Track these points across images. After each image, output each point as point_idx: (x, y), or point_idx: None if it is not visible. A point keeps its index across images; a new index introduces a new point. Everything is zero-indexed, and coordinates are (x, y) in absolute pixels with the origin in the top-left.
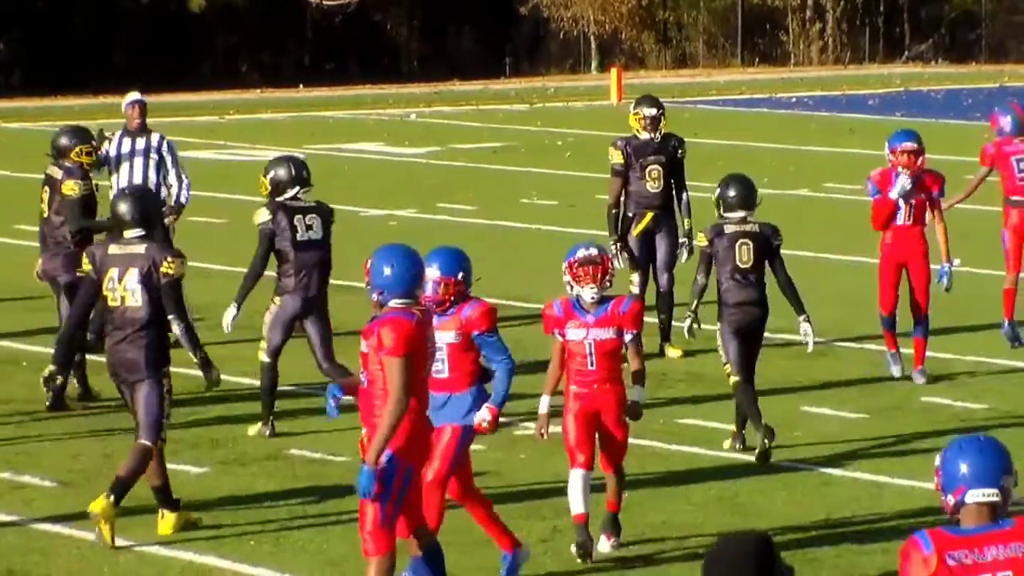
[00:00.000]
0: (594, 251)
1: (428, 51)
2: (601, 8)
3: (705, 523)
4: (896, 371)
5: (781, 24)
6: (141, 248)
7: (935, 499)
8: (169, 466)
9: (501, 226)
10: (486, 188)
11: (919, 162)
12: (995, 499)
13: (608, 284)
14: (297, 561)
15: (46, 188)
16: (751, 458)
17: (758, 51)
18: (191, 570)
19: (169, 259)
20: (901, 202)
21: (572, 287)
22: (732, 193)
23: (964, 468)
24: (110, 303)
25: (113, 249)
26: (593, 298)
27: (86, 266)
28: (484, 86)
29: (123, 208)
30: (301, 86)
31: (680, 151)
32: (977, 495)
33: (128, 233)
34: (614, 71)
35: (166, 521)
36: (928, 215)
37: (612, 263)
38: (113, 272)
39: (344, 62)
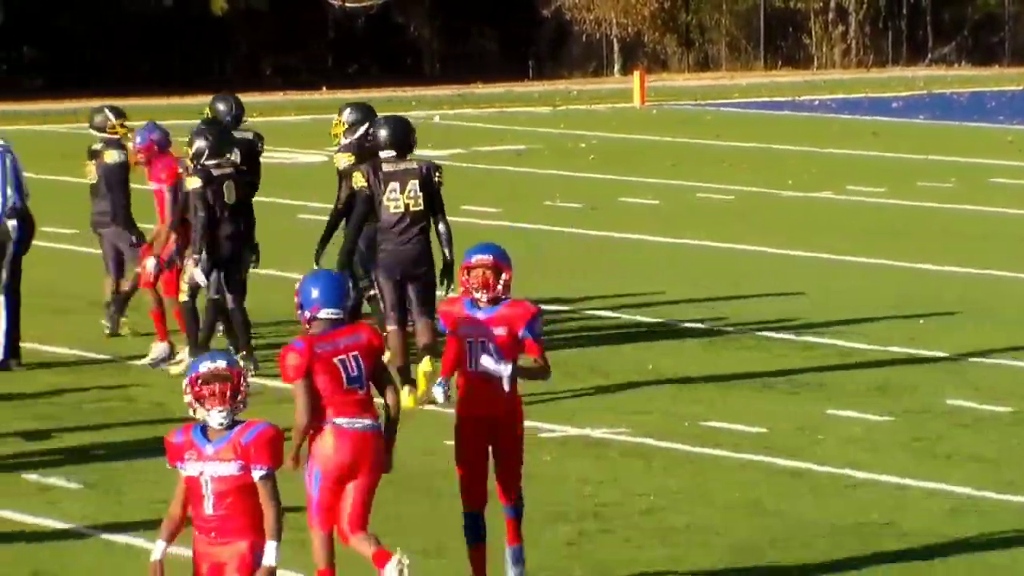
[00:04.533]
0: (222, 363)
1: (451, 53)
2: (624, 10)
3: (729, 526)
4: None
5: (804, 27)
6: (414, 164)
7: (961, 501)
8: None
9: (524, 228)
10: (509, 191)
11: None
12: (339, 316)
13: (241, 406)
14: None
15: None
16: (777, 460)
17: (781, 54)
18: None
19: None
20: None
21: (195, 410)
22: None
23: (315, 292)
24: (392, 210)
25: (387, 167)
26: (221, 424)
27: (361, 182)
28: (507, 88)
29: (383, 133)
30: (324, 88)
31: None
32: (328, 313)
33: (384, 154)
34: (637, 74)
35: (411, 397)
36: None
37: (243, 379)
38: (394, 184)
39: (366, 64)
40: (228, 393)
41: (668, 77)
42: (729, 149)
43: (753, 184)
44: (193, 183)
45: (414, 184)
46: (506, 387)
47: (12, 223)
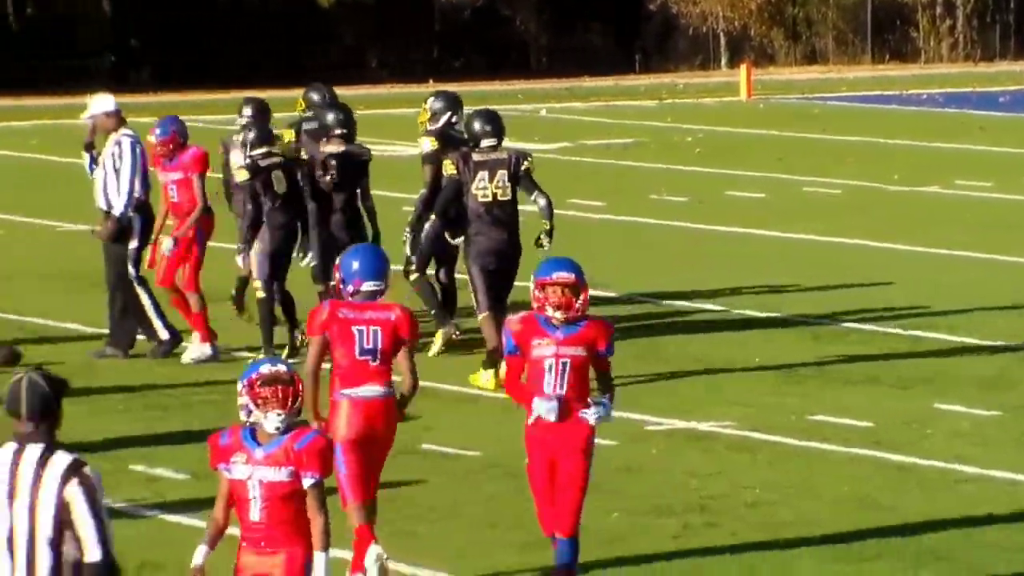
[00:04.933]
0: (282, 368)
1: (557, 47)
2: (730, 4)
3: (836, 520)
4: None
5: (911, 20)
6: (504, 154)
7: None
8: None
9: (630, 221)
10: (615, 184)
11: None
12: (379, 288)
13: (297, 412)
14: (425, 554)
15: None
16: (884, 455)
17: (888, 47)
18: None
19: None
20: None
21: (251, 413)
22: None
23: (356, 264)
24: (480, 199)
25: (477, 156)
26: (277, 428)
27: (451, 169)
28: (614, 82)
29: (476, 125)
30: (431, 81)
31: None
32: (370, 285)
33: (485, 143)
34: (743, 67)
35: (493, 380)
36: None
37: (302, 386)
38: (483, 173)
39: (472, 57)
40: (287, 398)
41: (775, 71)
42: (836, 143)
43: (860, 178)
44: (241, 175)
45: (503, 174)
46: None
47: (135, 215)
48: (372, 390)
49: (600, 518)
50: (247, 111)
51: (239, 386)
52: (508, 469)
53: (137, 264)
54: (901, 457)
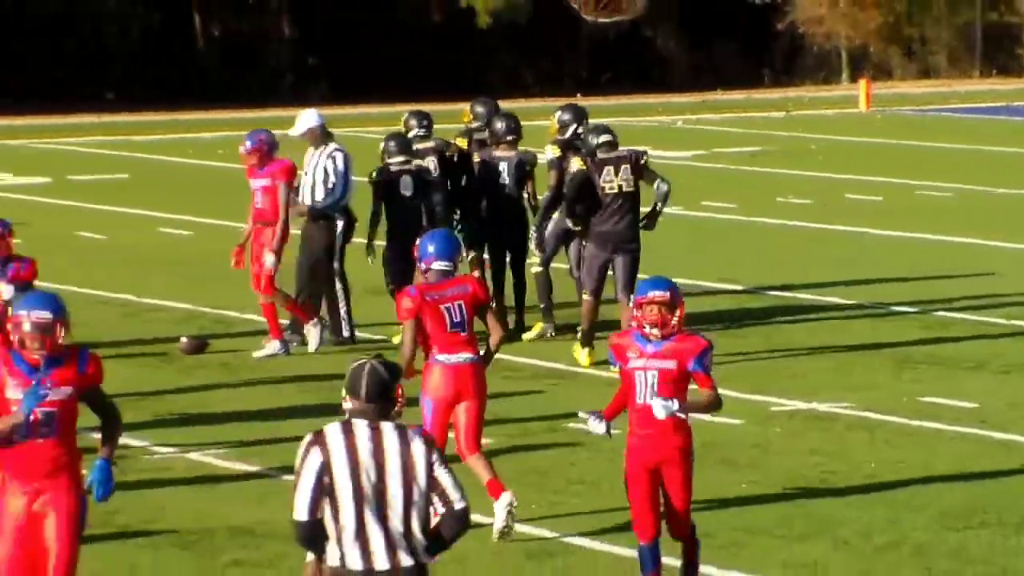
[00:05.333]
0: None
1: (694, 63)
2: (852, 24)
3: (944, 493)
4: None
5: (1018, 39)
6: (624, 151)
7: None
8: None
9: (759, 222)
10: (745, 188)
11: None
12: (448, 268)
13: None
14: (577, 525)
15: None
16: (990, 433)
17: (996, 63)
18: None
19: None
20: None
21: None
22: None
23: (432, 247)
24: (607, 191)
25: (601, 154)
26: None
27: (580, 164)
28: (745, 96)
29: (592, 136)
30: (579, 95)
31: None
32: (440, 265)
33: (602, 140)
34: (863, 82)
35: (589, 358)
36: None
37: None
38: (609, 168)
39: (618, 73)
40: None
41: (892, 85)
42: (947, 151)
43: (969, 182)
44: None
45: (626, 168)
46: (660, 416)
47: (339, 219)
48: (463, 357)
49: (730, 488)
50: (412, 122)
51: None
52: None
53: (340, 259)
54: (1005, 435)
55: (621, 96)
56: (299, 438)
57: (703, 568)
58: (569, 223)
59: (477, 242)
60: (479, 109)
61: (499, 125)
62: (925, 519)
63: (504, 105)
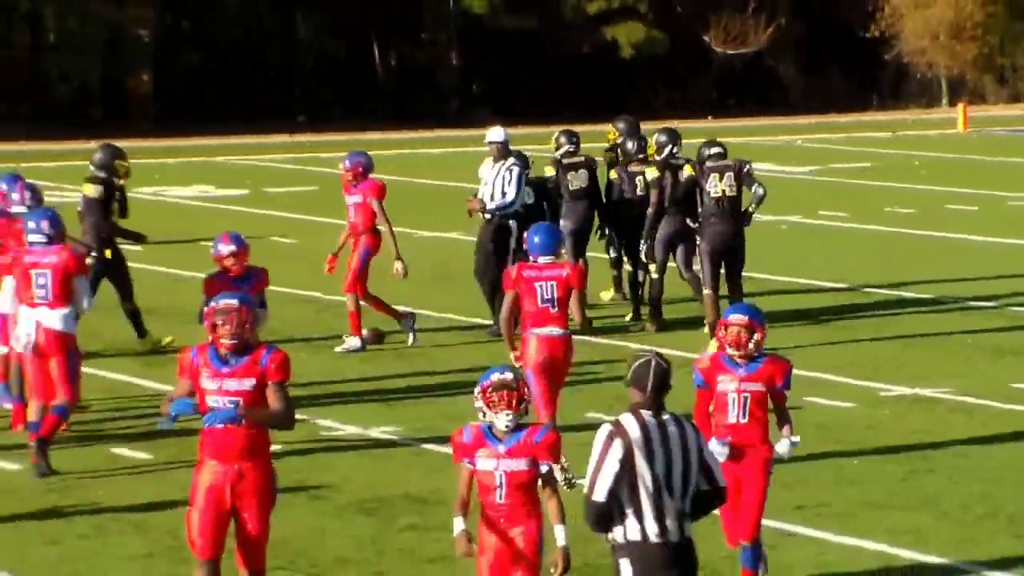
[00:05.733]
0: (509, 375)
1: (811, 89)
2: (951, 55)
3: None
4: None
5: None
6: (731, 161)
7: None
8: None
9: (869, 230)
10: (857, 199)
11: None
12: (549, 260)
13: (523, 411)
14: None
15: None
16: None
17: None
18: None
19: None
20: None
21: (484, 414)
22: None
23: (536, 240)
24: (712, 195)
25: (709, 163)
26: (507, 426)
27: (689, 171)
28: (856, 118)
29: (705, 148)
30: (709, 118)
31: None
32: (544, 260)
33: (712, 151)
34: (961, 106)
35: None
36: None
37: (526, 388)
38: (715, 175)
39: (743, 98)
40: (513, 400)
41: (986, 108)
42: None
43: None
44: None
45: (730, 175)
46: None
47: (512, 223)
48: (553, 330)
49: (844, 464)
50: (562, 139)
51: (475, 391)
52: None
53: (514, 260)
54: None
55: (746, 118)
56: (465, 418)
57: (820, 534)
58: (688, 222)
59: (616, 246)
60: (620, 125)
61: (630, 145)
62: (1018, 492)
63: (642, 126)
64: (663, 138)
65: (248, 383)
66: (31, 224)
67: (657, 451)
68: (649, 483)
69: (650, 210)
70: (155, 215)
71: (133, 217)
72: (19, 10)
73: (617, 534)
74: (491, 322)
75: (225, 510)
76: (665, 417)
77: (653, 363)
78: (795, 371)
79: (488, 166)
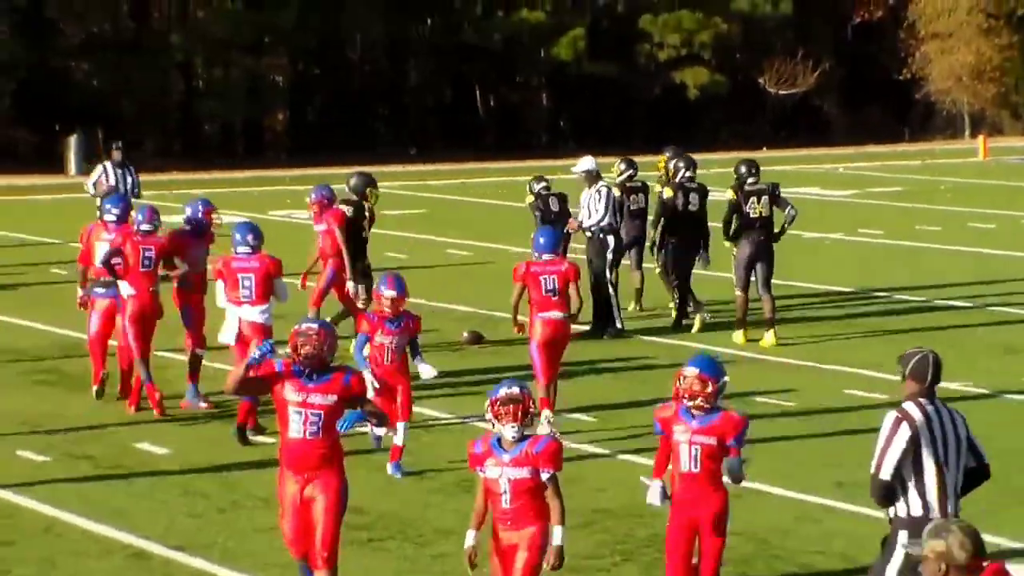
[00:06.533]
0: (516, 390)
1: (851, 123)
2: (973, 94)
3: None
4: None
5: None
6: (764, 184)
7: None
8: None
9: (902, 245)
10: (891, 219)
11: None
12: (552, 257)
13: (529, 422)
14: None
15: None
16: None
17: None
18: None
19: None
20: None
21: (494, 424)
22: None
23: (541, 241)
24: (751, 215)
25: (747, 187)
26: (514, 437)
27: (731, 195)
28: (890, 148)
29: (743, 169)
30: (764, 148)
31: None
32: (546, 256)
33: (750, 180)
34: (981, 137)
35: (743, 337)
36: None
37: (531, 401)
38: (753, 198)
39: (793, 132)
40: (518, 413)
41: (1003, 140)
42: None
43: None
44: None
45: (765, 198)
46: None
47: (609, 238)
48: (555, 314)
49: None
50: (622, 166)
51: (485, 404)
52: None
53: (612, 270)
54: None
55: (796, 149)
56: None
57: (857, 508)
58: (726, 242)
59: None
60: (669, 155)
61: (681, 165)
62: None
63: (703, 157)
64: (680, 163)
65: (330, 399)
66: (238, 237)
67: (937, 434)
68: (932, 463)
69: (660, 225)
70: (287, 235)
71: (269, 238)
72: (174, 61)
73: (900, 509)
74: (587, 326)
75: (306, 515)
76: (937, 404)
77: (931, 357)
78: (837, 367)
79: (585, 190)
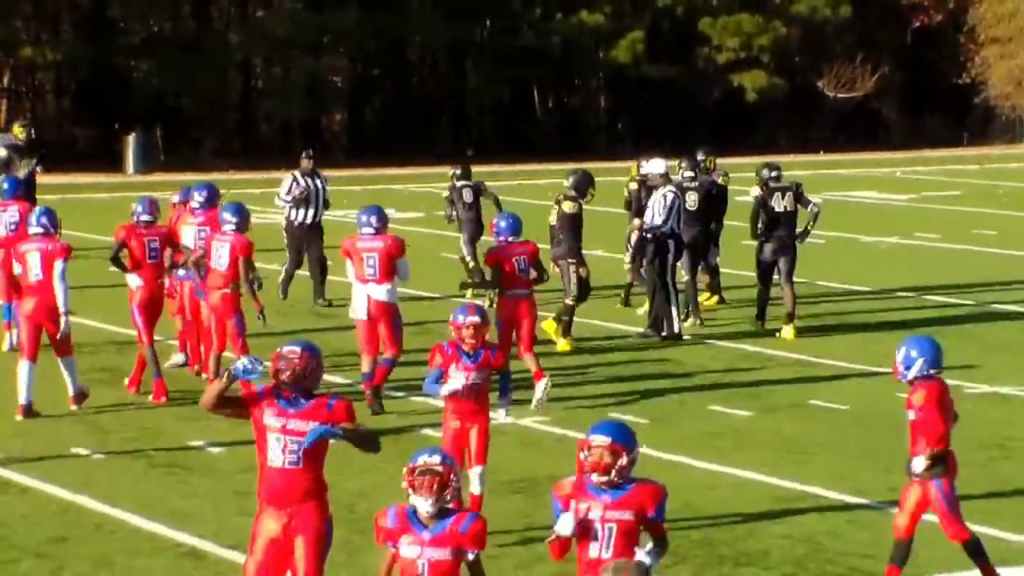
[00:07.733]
0: (436, 458)
1: (910, 128)
2: None
3: None
4: None
5: None
6: (787, 183)
7: None
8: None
9: (958, 249)
10: (948, 222)
11: None
12: (516, 239)
13: (447, 499)
14: (813, 475)
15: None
16: None
17: None
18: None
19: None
20: None
21: (409, 495)
22: None
23: (503, 225)
24: (776, 210)
25: (771, 184)
26: (428, 512)
27: (757, 191)
28: (948, 152)
29: (765, 171)
30: (821, 152)
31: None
32: (511, 239)
33: (771, 177)
34: None
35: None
36: None
37: (453, 474)
38: (777, 194)
39: (852, 135)
40: (435, 487)
41: None
42: None
43: None
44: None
45: (789, 195)
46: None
47: (670, 241)
48: (521, 292)
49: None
50: (684, 163)
51: (403, 470)
52: (870, 416)
53: (672, 272)
54: None
55: (854, 152)
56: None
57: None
58: (753, 237)
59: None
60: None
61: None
62: None
63: (758, 160)
64: (683, 162)
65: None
66: (363, 218)
67: None
68: None
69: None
70: (342, 234)
71: (327, 239)
72: (233, 61)
73: None
74: (641, 329)
75: (278, 556)
76: None
77: None
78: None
79: (655, 192)
